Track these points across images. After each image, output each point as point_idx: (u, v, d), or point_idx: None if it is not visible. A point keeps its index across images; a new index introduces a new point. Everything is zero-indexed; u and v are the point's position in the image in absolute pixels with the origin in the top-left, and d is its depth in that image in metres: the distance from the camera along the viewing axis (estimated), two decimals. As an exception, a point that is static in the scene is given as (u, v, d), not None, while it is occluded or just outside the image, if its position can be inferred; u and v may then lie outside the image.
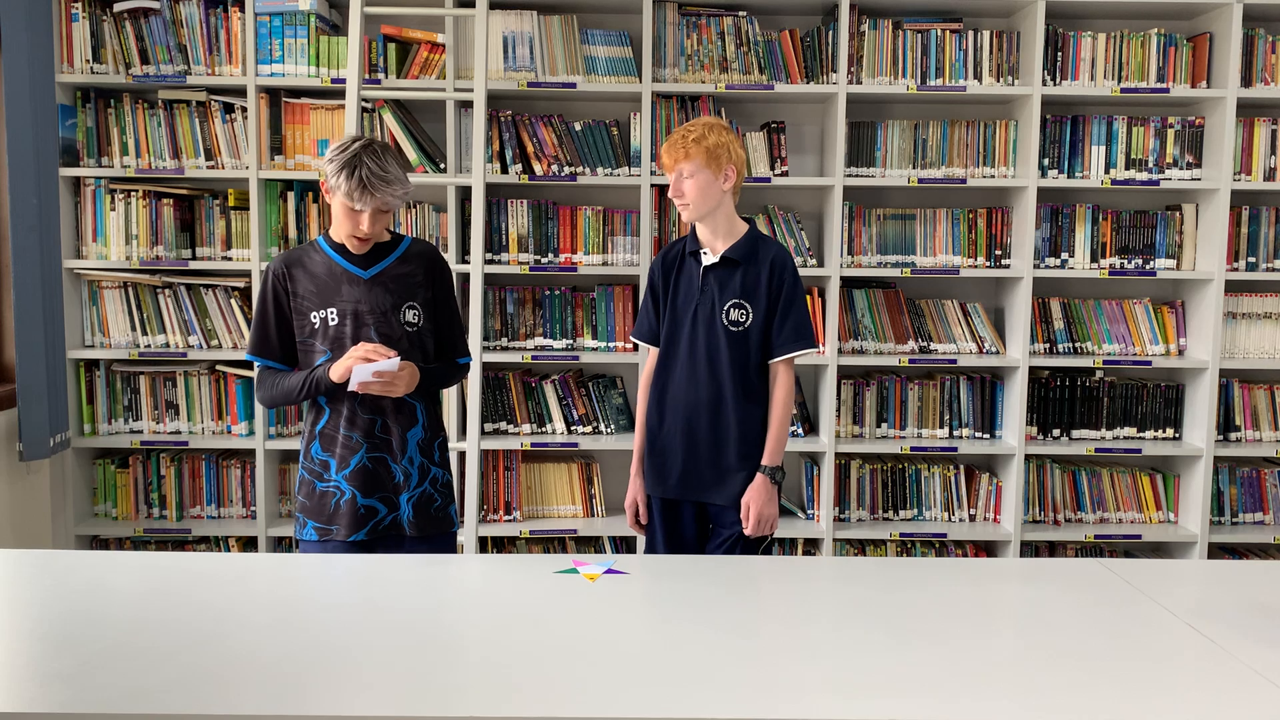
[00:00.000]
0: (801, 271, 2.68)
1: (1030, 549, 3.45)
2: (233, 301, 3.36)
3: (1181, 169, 3.38)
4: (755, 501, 2.32)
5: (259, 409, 3.30)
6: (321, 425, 2.20)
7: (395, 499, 2.21)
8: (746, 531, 2.33)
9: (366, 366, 2.07)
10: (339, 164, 2.09)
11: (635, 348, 3.39)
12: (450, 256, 3.31)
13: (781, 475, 2.37)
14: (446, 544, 2.31)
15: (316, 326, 2.18)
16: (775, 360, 2.35)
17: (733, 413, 2.34)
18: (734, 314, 2.33)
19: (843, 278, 3.36)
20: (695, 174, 2.30)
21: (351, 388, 2.10)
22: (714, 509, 2.40)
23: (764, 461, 2.34)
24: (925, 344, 3.43)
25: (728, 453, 2.35)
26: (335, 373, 2.11)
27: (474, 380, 3.06)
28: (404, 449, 2.20)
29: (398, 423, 2.20)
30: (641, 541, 3.33)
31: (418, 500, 2.23)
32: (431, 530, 2.25)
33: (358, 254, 2.20)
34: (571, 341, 3.43)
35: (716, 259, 2.35)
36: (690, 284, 2.39)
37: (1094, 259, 3.42)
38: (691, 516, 2.43)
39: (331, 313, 2.17)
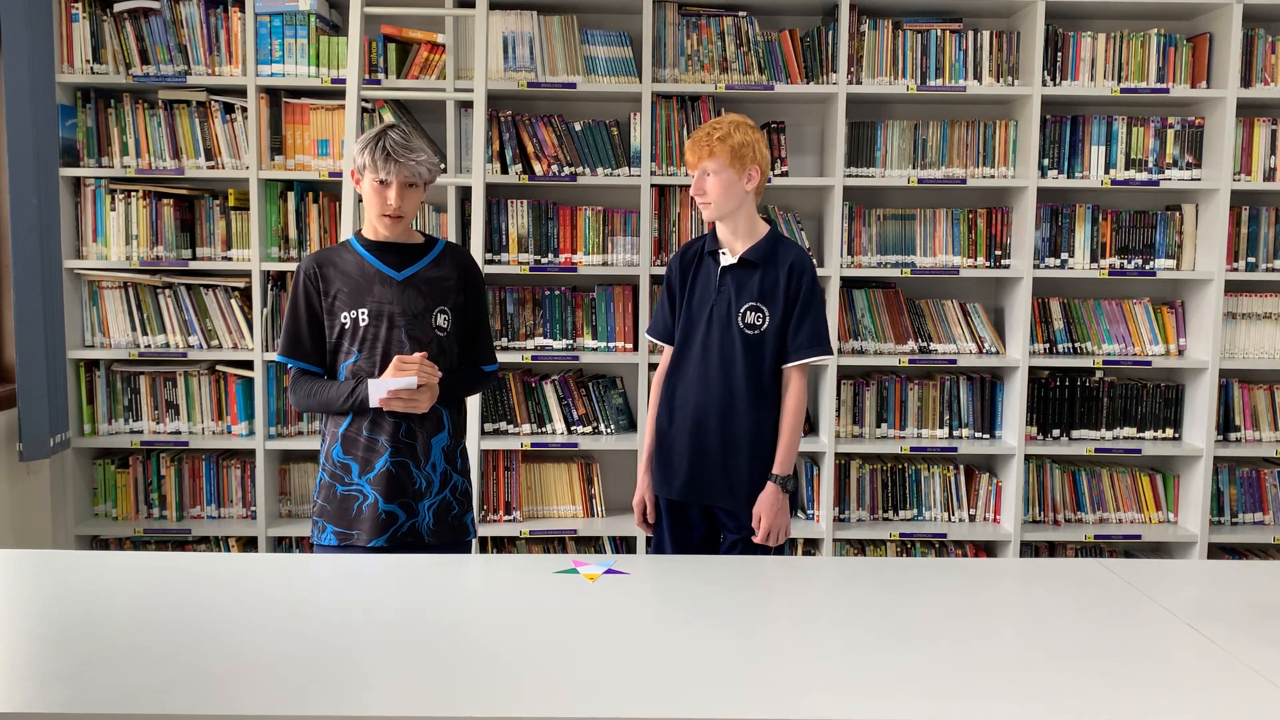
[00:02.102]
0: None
1: (1030, 549, 3.45)
2: (233, 302, 3.36)
3: (1181, 169, 3.38)
4: (766, 512, 2.29)
5: (259, 409, 3.30)
6: (345, 428, 2.17)
7: (416, 505, 2.18)
8: (757, 541, 2.30)
9: (382, 383, 2.08)
10: (364, 142, 2.13)
11: (635, 348, 3.39)
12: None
13: (793, 484, 2.34)
14: (462, 552, 2.29)
15: (346, 327, 2.16)
16: (789, 366, 2.32)
17: (744, 416, 2.30)
18: (750, 317, 2.30)
19: (843, 278, 3.36)
20: (719, 172, 2.26)
21: (373, 404, 2.10)
22: (721, 512, 2.37)
23: (774, 470, 2.31)
24: (925, 344, 3.43)
25: (737, 456, 2.32)
26: (373, 390, 2.09)
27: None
28: (428, 455, 2.19)
29: (423, 428, 2.18)
30: (642, 540, 3.33)
31: (438, 508, 2.21)
32: (449, 538, 2.23)
33: (388, 239, 2.19)
34: (571, 341, 3.43)
35: (735, 260, 2.32)
36: (707, 284, 2.35)
37: (1094, 259, 3.42)
38: (699, 518, 2.40)
39: (362, 313, 2.15)
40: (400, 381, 2.08)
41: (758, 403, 2.31)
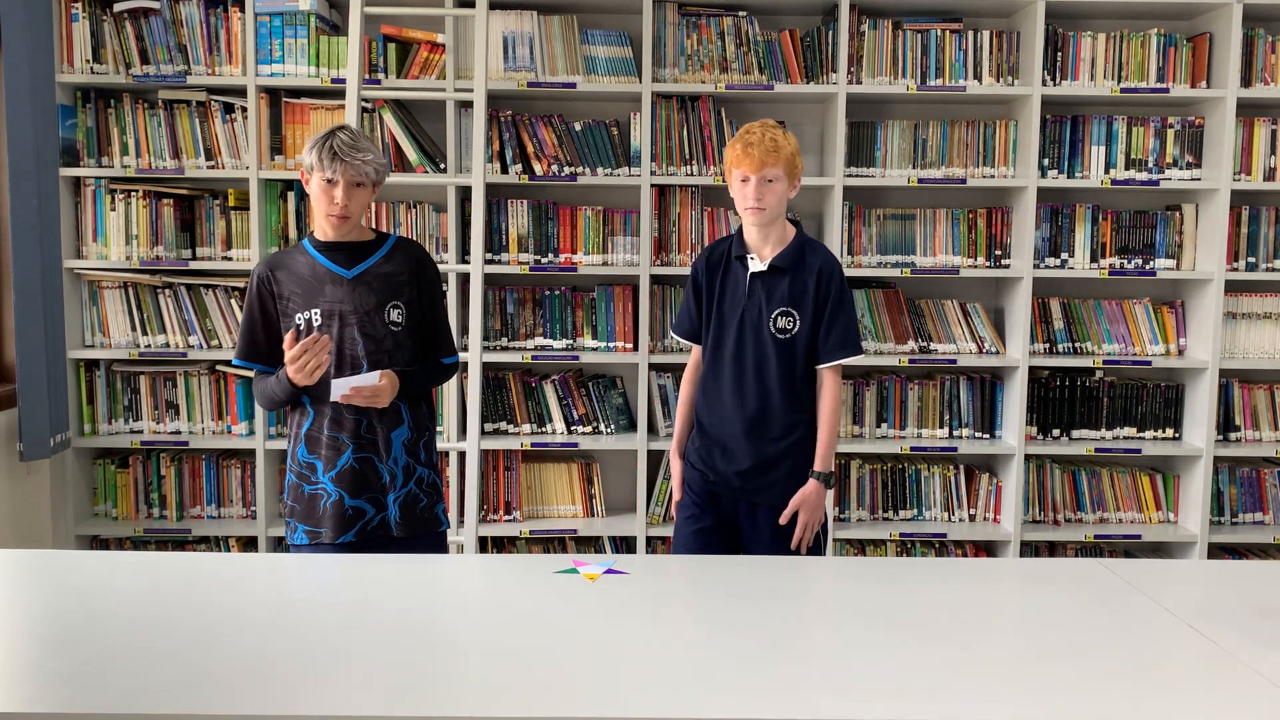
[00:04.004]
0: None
1: (1030, 549, 3.45)
2: (233, 301, 3.36)
3: (1181, 169, 3.38)
4: (806, 507, 2.33)
5: (259, 409, 3.30)
6: (307, 427, 2.21)
7: (383, 499, 2.21)
8: (793, 545, 2.35)
9: (344, 380, 2.10)
10: (311, 143, 2.16)
11: (635, 348, 3.39)
12: (450, 256, 3.32)
13: (833, 480, 2.40)
14: (434, 544, 2.30)
15: (301, 328, 2.19)
16: (823, 367, 2.36)
17: (779, 418, 2.34)
18: (781, 321, 2.33)
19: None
20: (779, 179, 2.29)
21: (334, 398, 2.12)
22: (753, 507, 2.39)
23: (816, 467, 2.35)
24: (925, 344, 3.43)
25: (772, 456, 2.35)
26: (291, 376, 2.12)
27: (474, 380, 3.06)
28: (389, 449, 2.21)
29: (383, 423, 2.20)
30: (642, 541, 3.34)
31: (404, 500, 2.23)
32: (418, 530, 2.25)
33: (337, 239, 2.21)
34: (571, 341, 3.43)
35: (765, 266, 2.34)
36: (736, 289, 2.37)
37: (1094, 259, 3.42)
38: (730, 513, 2.41)
39: (315, 313, 2.18)
40: (363, 379, 2.10)
41: (791, 404, 2.35)
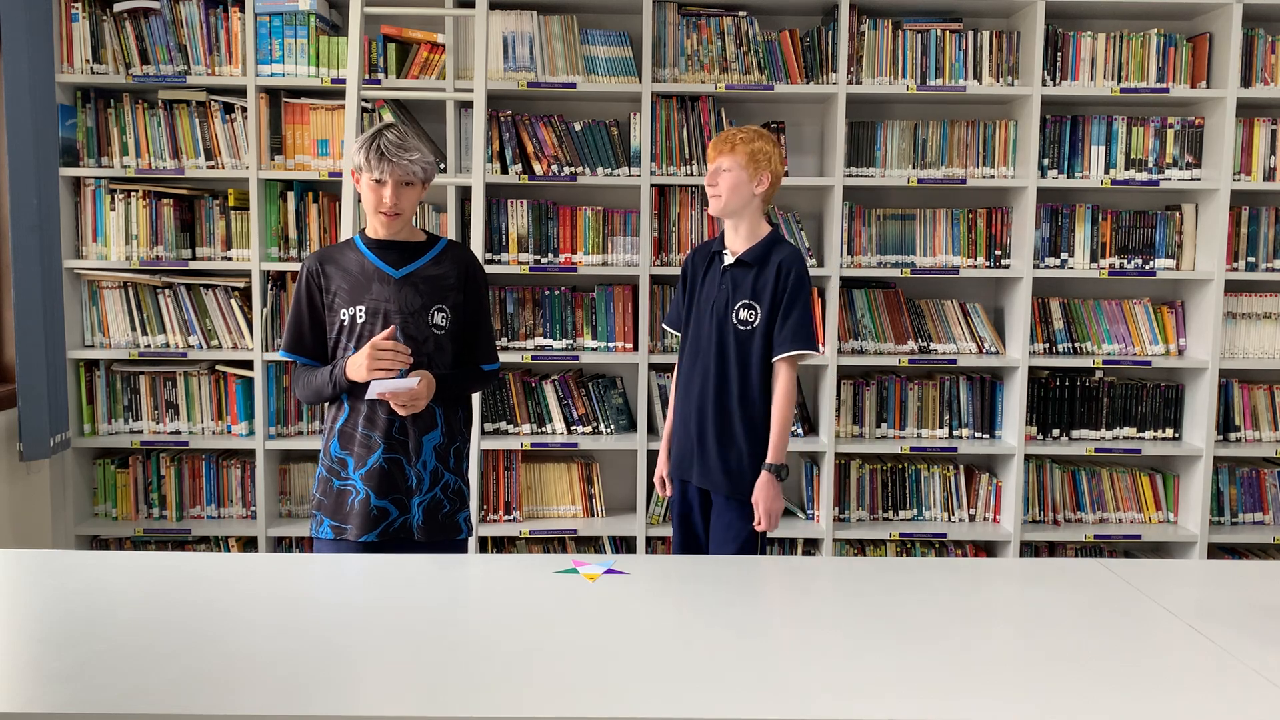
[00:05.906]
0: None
1: (1030, 549, 3.45)
2: (233, 301, 3.35)
3: (1181, 169, 3.38)
4: (761, 499, 2.43)
5: (259, 409, 3.30)
6: (341, 423, 2.21)
7: (407, 502, 2.21)
8: (758, 528, 2.44)
9: (382, 384, 2.08)
10: (361, 142, 2.17)
11: (635, 348, 3.39)
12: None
13: (785, 473, 2.46)
14: (455, 550, 2.31)
15: (345, 324, 2.19)
16: (775, 359, 2.44)
17: (737, 408, 2.45)
18: (743, 314, 2.44)
19: (843, 278, 3.36)
20: (732, 169, 2.42)
21: (369, 396, 2.11)
22: (718, 499, 2.51)
23: (769, 459, 2.43)
24: (925, 344, 3.43)
25: (732, 447, 2.46)
26: (350, 370, 2.13)
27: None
28: (419, 452, 2.20)
29: (416, 426, 2.20)
30: (642, 540, 3.35)
31: (428, 505, 2.23)
32: (439, 536, 2.25)
33: (389, 238, 2.21)
34: (571, 341, 3.43)
35: (734, 260, 2.47)
36: (713, 282, 2.51)
37: (1094, 259, 3.42)
38: (698, 502, 2.55)
39: (360, 310, 2.18)
40: (401, 384, 2.09)
41: (748, 395, 2.46)
